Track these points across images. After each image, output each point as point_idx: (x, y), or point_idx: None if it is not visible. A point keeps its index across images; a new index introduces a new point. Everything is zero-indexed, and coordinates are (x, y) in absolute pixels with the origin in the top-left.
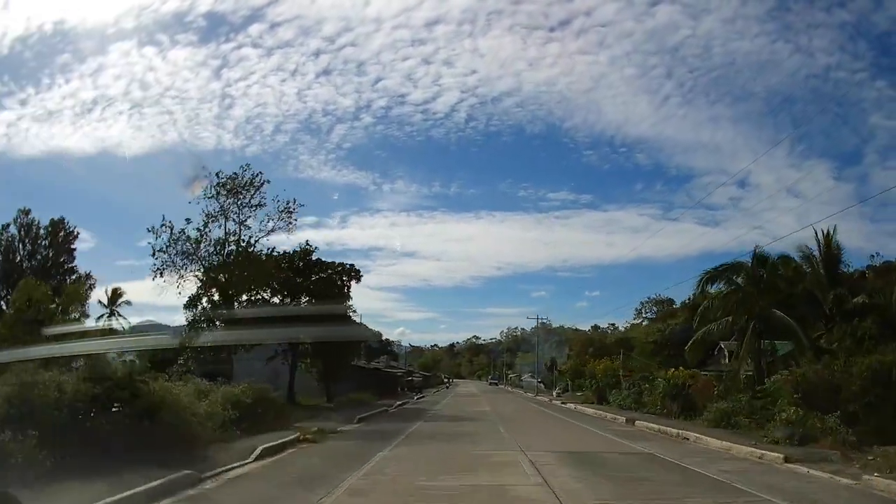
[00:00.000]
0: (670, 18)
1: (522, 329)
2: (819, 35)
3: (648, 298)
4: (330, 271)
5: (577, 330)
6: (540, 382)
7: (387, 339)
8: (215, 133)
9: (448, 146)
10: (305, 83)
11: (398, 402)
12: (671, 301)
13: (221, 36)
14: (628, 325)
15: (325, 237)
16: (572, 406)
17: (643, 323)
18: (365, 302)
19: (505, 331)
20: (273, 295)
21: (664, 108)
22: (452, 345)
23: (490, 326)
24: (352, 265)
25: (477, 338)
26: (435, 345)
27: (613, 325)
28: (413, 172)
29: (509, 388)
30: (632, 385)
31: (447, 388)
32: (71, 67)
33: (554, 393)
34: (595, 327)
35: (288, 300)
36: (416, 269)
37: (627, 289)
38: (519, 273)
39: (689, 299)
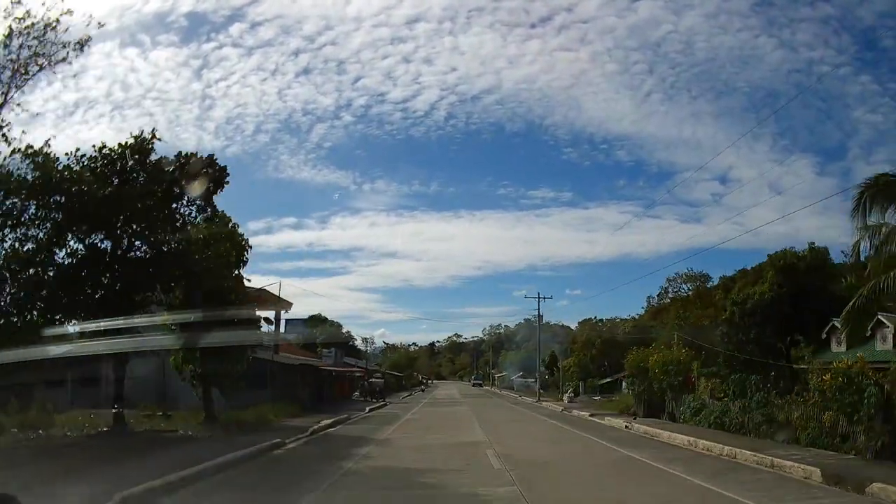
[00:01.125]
0: (652, 14)
1: (506, 326)
2: (802, 29)
3: (676, 274)
4: (171, 168)
5: (563, 326)
6: (534, 383)
7: (348, 332)
8: (196, 134)
9: (428, 145)
10: (285, 82)
11: (328, 421)
12: (706, 276)
13: (203, 36)
14: (616, 319)
15: (306, 238)
16: (621, 422)
17: (643, 308)
18: (345, 303)
19: (488, 328)
20: (89, 234)
21: (646, 104)
22: (432, 344)
23: (471, 326)
24: (210, 155)
25: (458, 336)
26: (413, 343)
27: (600, 319)
28: (393, 172)
29: (497, 391)
30: (731, 388)
31: (423, 390)
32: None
33: (564, 398)
34: (585, 321)
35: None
36: (396, 269)
37: (609, 285)
38: (499, 272)
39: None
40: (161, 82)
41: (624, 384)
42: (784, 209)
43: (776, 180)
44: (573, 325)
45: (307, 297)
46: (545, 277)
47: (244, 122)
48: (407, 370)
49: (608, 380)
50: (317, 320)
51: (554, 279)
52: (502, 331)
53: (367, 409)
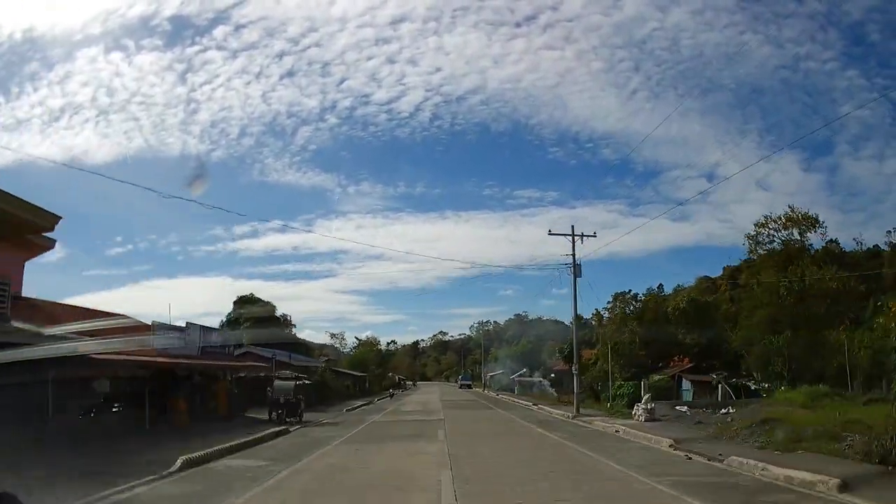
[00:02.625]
0: (638, 11)
1: (495, 322)
2: (789, 25)
3: (768, 217)
4: None
5: (557, 321)
6: (549, 385)
7: (284, 315)
8: (181, 138)
9: (413, 146)
10: (270, 85)
11: None
12: (812, 219)
13: (187, 39)
14: (658, 294)
15: (291, 241)
16: None
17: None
18: (331, 305)
19: (475, 325)
20: None
21: (631, 102)
22: (416, 342)
23: (458, 327)
24: None
25: (444, 333)
26: (392, 341)
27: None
28: (378, 174)
29: (493, 394)
30: None
31: (391, 396)
32: (39, 75)
33: (637, 414)
34: (579, 318)
35: None
36: (382, 270)
37: (596, 285)
38: (485, 272)
39: None
40: (146, 87)
41: (685, 384)
42: (771, 205)
43: (763, 177)
44: (566, 321)
45: (294, 300)
46: (532, 277)
47: (229, 125)
48: (376, 369)
49: (659, 377)
50: (245, 301)
51: (540, 279)
52: (491, 327)
53: (161, 478)
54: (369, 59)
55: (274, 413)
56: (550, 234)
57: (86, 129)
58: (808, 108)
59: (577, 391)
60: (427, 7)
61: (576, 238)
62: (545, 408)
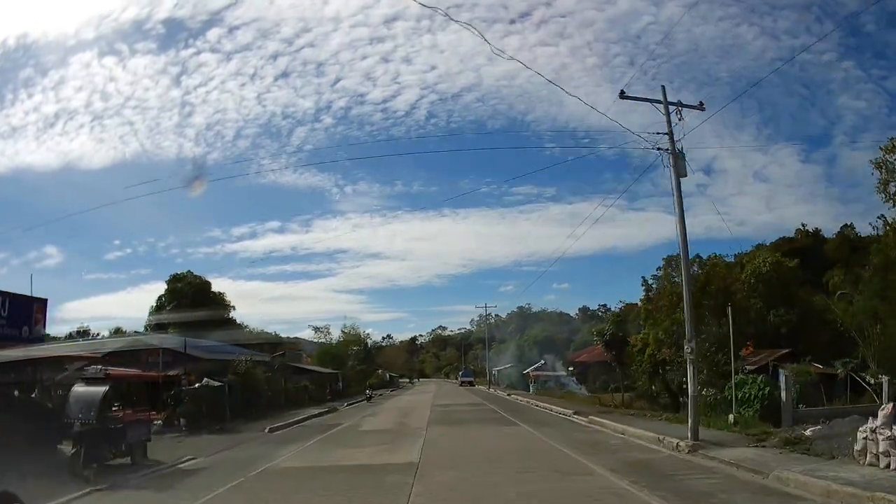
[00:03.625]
0: (632, 6)
1: (497, 316)
2: (784, 17)
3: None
4: None
5: (562, 313)
6: (571, 378)
7: (221, 295)
8: (176, 142)
9: (409, 145)
10: (265, 86)
11: None
12: None
13: (180, 42)
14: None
15: (289, 241)
16: None
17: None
18: (331, 305)
19: (476, 318)
20: None
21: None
22: (414, 338)
23: (458, 324)
24: None
25: (443, 329)
26: (388, 335)
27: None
28: (375, 173)
29: (501, 393)
30: None
31: (369, 398)
32: (34, 81)
33: (873, 453)
34: (584, 309)
35: None
36: (381, 269)
37: (594, 279)
38: (484, 269)
39: None
40: (140, 90)
41: (782, 378)
42: (769, 198)
43: (761, 169)
44: (572, 313)
45: (293, 301)
46: (531, 273)
47: (224, 127)
48: (358, 365)
49: (750, 370)
50: (177, 280)
51: (539, 274)
52: (493, 320)
53: None
54: (364, 58)
55: (77, 449)
56: (623, 97)
57: (81, 135)
58: (805, 100)
59: (694, 393)
60: (420, 5)
61: (670, 108)
62: (597, 419)
